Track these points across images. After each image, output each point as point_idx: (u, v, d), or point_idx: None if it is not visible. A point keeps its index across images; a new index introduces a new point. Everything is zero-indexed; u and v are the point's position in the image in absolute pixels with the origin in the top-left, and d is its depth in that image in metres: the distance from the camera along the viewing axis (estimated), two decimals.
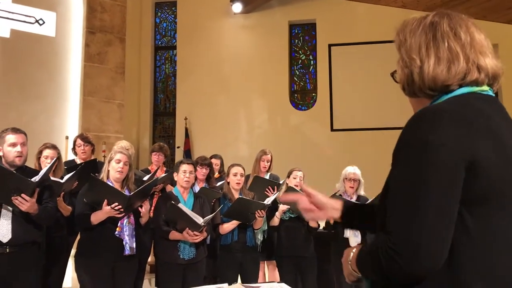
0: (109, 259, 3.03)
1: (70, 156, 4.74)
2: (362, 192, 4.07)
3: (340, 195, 3.91)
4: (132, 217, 3.13)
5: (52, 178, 3.15)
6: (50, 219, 2.93)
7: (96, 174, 3.17)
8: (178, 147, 8.35)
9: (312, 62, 8.56)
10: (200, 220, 3.25)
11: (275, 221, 3.86)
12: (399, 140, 0.97)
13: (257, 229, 3.72)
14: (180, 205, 3.28)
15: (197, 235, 3.27)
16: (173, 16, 9.15)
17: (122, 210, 2.97)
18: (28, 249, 2.82)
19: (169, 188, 4.04)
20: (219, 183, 4.24)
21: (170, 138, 8.80)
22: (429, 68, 1.01)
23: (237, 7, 8.16)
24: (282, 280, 3.20)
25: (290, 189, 3.82)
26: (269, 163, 4.46)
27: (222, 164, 4.86)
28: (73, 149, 4.19)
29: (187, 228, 3.26)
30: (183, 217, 3.23)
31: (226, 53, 8.36)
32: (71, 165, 3.82)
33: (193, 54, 8.44)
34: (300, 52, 8.65)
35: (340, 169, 4.12)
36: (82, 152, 4.08)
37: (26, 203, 2.66)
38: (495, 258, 0.92)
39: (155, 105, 9.06)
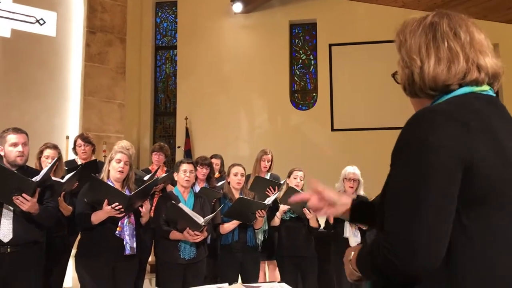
0: (109, 259, 3.03)
1: (71, 156, 4.74)
2: (361, 192, 4.07)
3: None
4: (132, 217, 3.13)
5: (53, 178, 3.16)
6: (51, 219, 2.93)
7: (97, 174, 3.17)
8: (178, 147, 8.35)
9: (312, 62, 8.56)
10: (200, 220, 3.26)
11: (276, 221, 3.87)
12: (398, 140, 0.97)
13: (257, 229, 3.72)
14: (181, 205, 3.28)
15: (197, 235, 3.27)
16: (173, 16, 9.16)
17: (122, 210, 2.97)
18: (30, 249, 2.82)
19: (169, 188, 4.04)
20: (219, 183, 4.24)
21: (171, 138, 8.80)
22: (429, 68, 1.01)
23: (238, 7, 8.16)
24: (283, 280, 3.20)
25: (290, 189, 3.82)
26: (269, 163, 4.46)
27: (222, 164, 4.86)
28: (74, 149, 4.19)
29: (188, 228, 3.26)
30: (183, 216, 3.24)
31: (226, 53, 8.36)
32: (72, 166, 3.82)
33: (193, 54, 8.44)
34: (300, 52, 8.66)
35: (340, 169, 4.12)
36: (82, 152, 4.08)
37: (27, 202, 2.67)
38: (495, 258, 0.93)
39: (155, 105, 9.06)
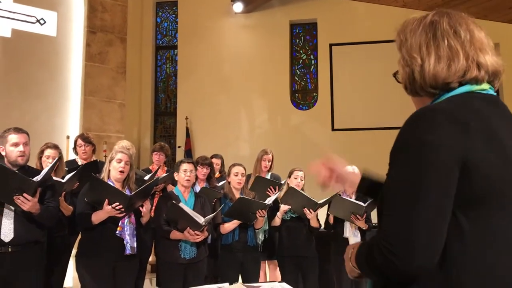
0: (110, 258, 3.03)
1: (71, 156, 4.75)
2: None
3: (339, 194, 3.91)
4: (133, 217, 3.13)
5: (53, 178, 3.16)
6: (52, 219, 2.94)
7: (97, 174, 3.17)
8: (179, 147, 8.35)
9: (313, 61, 8.56)
10: (201, 220, 3.26)
11: (277, 221, 3.87)
12: (398, 139, 0.97)
13: (258, 229, 3.72)
14: (181, 205, 3.28)
15: (198, 235, 3.27)
16: (174, 15, 9.16)
17: (123, 209, 2.97)
18: (31, 248, 2.82)
19: (170, 188, 4.04)
20: (220, 183, 4.24)
21: (171, 138, 8.80)
22: (429, 67, 1.01)
23: (238, 7, 8.16)
24: (283, 280, 3.20)
25: (291, 189, 3.82)
26: (270, 163, 4.46)
27: (222, 164, 4.87)
28: (74, 149, 4.18)
29: (188, 228, 3.26)
30: (184, 216, 3.24)
31: (227, 53, 8.36)
32: (72, 166, 3.82)
33: (194, 54, 8.45)
34: (301, 51, 8.65)
35: None
36: (83, 152, 4.08)
37: (28, 202, 2.67)
38: (495, 258, 0.92)
39: (156, 104, 9.06)
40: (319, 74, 8.34)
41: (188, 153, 7.99)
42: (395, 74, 1.14)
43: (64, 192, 3.37)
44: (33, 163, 3.34)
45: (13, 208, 2.75)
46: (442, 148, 0.90)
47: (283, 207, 3.82)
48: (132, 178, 3.23)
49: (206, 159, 4.13)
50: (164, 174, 4.10)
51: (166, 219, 3.36)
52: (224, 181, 4.01)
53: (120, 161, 3.14)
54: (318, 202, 3.77)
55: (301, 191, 3.84)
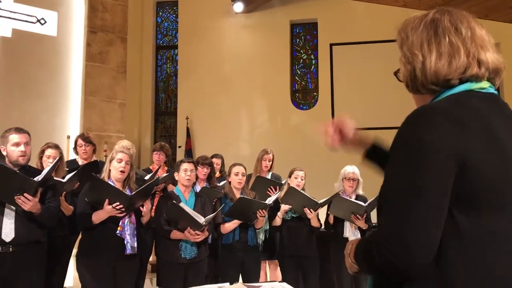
0: (110, 258, 3.04)
1: (72, 155, 4.75)
2: (360, 192, 4.07)
3: (339, 194, 3.91)
4: (133, 217, 3.14)
5: (54, 178, 3.16)
6: (53, 219, 2.93)
7: (97, 174, 3.17)
8: (179, 147, 8.35)
9: (313, 61, 8.56)
10: (201, 219, 3.26)
11: (277, 221, 3.87)
12: (397, 137, 0.97)
13: (258, 229, 3.72)
14: (182, 205, 3.28)
15: (198, 235, 3.27)
16: (174, 15, 9.16)
17: (123, 209, 2.97)
18: (32, 248, 2.82)
19: (170, 187, 4.04)
20: (221, 183, 4.24)
21: (172, 138, 8.80)
22: (431, 63, 1.01)
23: (238, 7, 8.16)
24: (284, 279, 3.20)
25: (291, 189, 3.82)
26: (270, 162, 4.46)
27: (223, 164, 4.87)
28: (74, 148, 4.18)
29: (189, 228, 3.26)
30: (184, 216, 3.24)
31: (227, 53, 8.36)
32: (73, 166, 3.82)
33: (194, 54, 8.45)
34: (301, 51, 8.65)
35: (341, 169, 4.12)
36: (83, 152, 4.07)
37: (29, 202, 2.67)
38: (494, 258, 0.92)
39: (156, 104, 9.06)
40: (319, 74, 8.34)
41: (189, 153, 7.99)
42: (396, 73, 1.14)
43: (64, 192, 3.37)
44: (33, 163, 3.34)
45: (14, 208, 2.75)
46: (441, 148, 0.90)
47: (284, 207, 3.82)
48: (132, 178, 3.23)
49: (206, 159, 4.13)
50: (165, 174, 4.10)
51: (167, 219, 3.36)
52: (225, 181, 4.01)
53: (120, 161, 3.14)
54: (319, 202, 3.77)
55: (301, 191, 3.84)
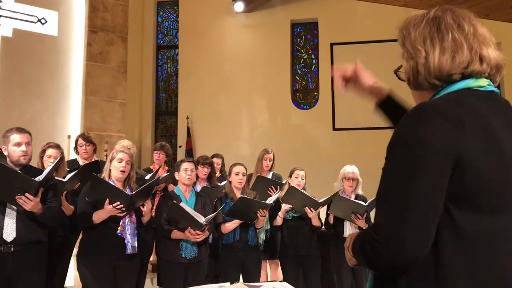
0: (111, 258, 3.04)
1: (72, 155, 4.75)
2: (360, 191, 4.07)
3: (340, 194, 3.91)
4: (134, 216, 3.14)
5: (55, 177, 3.16)
6: (54, 218, 2.93)
7: (98, 174, 3.17)
8: (180, 146, 8.36)
9: (314, 61, 8.55)
10: (202, 219, 3.25)
11: (278, 220, 3.87)
12: (395, 134, 0.98)
13: (259, 228, 3.72)
14: (182, 204, 3.28)
15: (199, 234, 3.27)
16: (175, 15, 9.16)
17: (124, 209, 2.97)
18: (33, 248, 2.82)
19: (171, 187, 4.04)
20: (222, 183, 4.24)
21: (172, 137, 8.81)
22: (434, 58, 1.02)
23: (239, 6, 8.16)
24: (285, 279, 3.20)
25: (291, 189, 3.82)
26: (271, 162, 4.46)
27: (223, 164, 4.87)
28: (75, 148, 4.18)
29: (189, 227, 3.26)
30: (185, 216, 3.24)
31: (228, 52, 8.36)
32: (73, 166, 3.82)
33: (195, 53, 8.45)
34: (302, 51, 8.65)
35: (341, 169, 4.12)
36: (84, 152, 4.07)
37: (30, 202, 2.67)
38: (494, 258, 0.92)
39: (157, 104, 9.07)
40: (320, 74, 8.34)
41: (189, 152, 8.00)
42: (396, 71, 1.14)
43: (65, 192, 3.37)
44: (34, 163, 3.34)
45: (15, 207, 2.76)
46: (438, 146, 0.91)
47: (284, 207, 3.82)
48: (133, 178, 3.23)
49: (207, 159, 4.13)
50: (165, 174, 4.11)
51: (167, 218, 3.37)
52: (225, 181, 4.01)
53: (121, 160, 3.14)
54: (319, 201, 3.77)
55: (302, 190, 3.84)
